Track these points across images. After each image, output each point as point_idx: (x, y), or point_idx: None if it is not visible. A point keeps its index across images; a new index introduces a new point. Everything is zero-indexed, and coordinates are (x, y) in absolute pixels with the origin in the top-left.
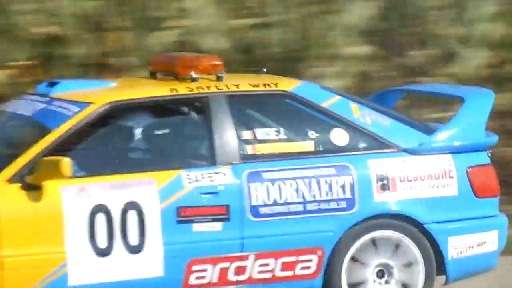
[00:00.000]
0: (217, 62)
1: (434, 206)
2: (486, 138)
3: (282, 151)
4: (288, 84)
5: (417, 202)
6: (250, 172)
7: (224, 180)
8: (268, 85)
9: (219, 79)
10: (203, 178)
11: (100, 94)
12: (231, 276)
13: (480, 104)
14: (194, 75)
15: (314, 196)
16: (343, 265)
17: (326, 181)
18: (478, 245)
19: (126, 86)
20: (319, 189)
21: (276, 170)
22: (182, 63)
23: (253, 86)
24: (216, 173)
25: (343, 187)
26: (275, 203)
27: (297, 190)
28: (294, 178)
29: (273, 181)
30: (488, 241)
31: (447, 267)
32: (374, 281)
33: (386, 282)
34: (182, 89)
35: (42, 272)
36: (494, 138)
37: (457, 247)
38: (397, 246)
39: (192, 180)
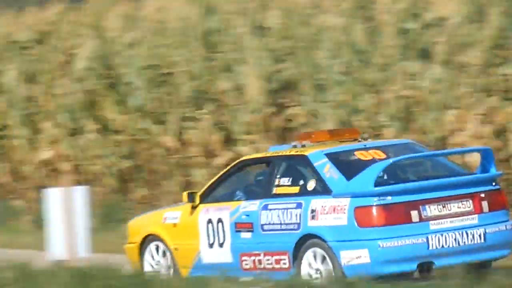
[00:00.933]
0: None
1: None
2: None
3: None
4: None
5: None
6: (263, 204)
7: (252, 208)
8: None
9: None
10: (245, 207)
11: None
12: (258, 265)
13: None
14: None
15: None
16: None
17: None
18: (356, 258)
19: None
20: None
21: (274, 203)
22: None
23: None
24: (251, 204)
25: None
26: (271, 223)
27: (278, 216)
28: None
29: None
30: (363, 256)
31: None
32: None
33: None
34: None
35: (193, 254)
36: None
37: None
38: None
39: (242, 207)
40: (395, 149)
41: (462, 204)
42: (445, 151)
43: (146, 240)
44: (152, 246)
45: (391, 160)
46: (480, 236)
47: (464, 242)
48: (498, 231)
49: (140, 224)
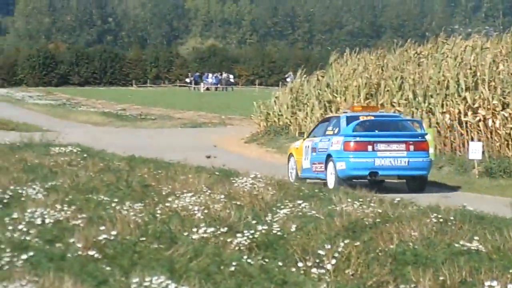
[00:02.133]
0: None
1: None
2: None
3: None
4: None
5: None
6: (319, 139)
7: (317, 141)
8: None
9: None
10: (315, 140)
11: None
12: (316, 168)
13: None
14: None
15: None
16: None
17: None
18: (341, 166)
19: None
20: None
21: (323, 139)
22: None
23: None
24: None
25: None
26: (321, 148)
27: (322, 145)
28: None
29: None
30: (344, 165)
31: None
32: None
33: None
34: None
35: (301, 163)
36: None
37: None
38: None
39: (315, 140)
40: (383, 117)
41: (398, 145)
42: (395, 119)
43: (289, 156)
44: (291, 159)
45: (359, 120)
46: (406, 162)
47: (396, 164)
48: (418, 161)
49: (288, 148)
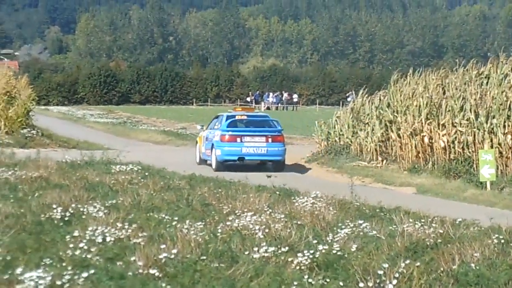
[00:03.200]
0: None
1: None
2: None
3: None
4: None
5: None
6: (208, 131)
7: (206, 133)
8: None
9: None
10: (207, 132)
11: None
12: (209, 154)
13: None
14: None
15: None
16: None
17: None
18: (217, 153)
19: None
20: None
21: (211, 131)
22: None
23: None
24: (207, 131)
25: None
26: (208, 138)
27: (209, 136)
28: None
29: None
30: (219, 152)
31: None
32: None
33: None
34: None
35: (202, 150)
36: None
37: None
38: None
39: (207, 132)
40: (254, 116)
41: (260, 138)
42: (261, 119)
43: (196, 143)
44: (196, 145)
45: (228, 116)
46: (265, 151)
47: (258, 152)
48: (275, 150)
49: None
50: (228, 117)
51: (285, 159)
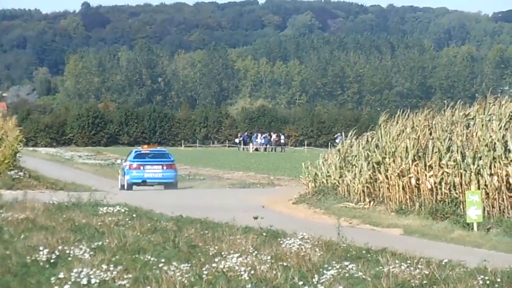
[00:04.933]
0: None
1: None
2: None
3: None
4: None
5: None
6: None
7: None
8: None
9: None
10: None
11: None
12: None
13: None
14: None
15: None
16: None
17: None
18: (127, 178)
19: None
20: None
21: (126, 163)
22: None
23: None
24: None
25: None
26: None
27: (124, 166)
28: None
29: None
30: (128, 177)
31: None
32: None
33: None
34: None
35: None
36: None
37: None
38: None
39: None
40: (155, 151)
41: (157, 166)
42: (159, 152)
43: (119, 172)
44: (120, 173)
45: (136, 152)
46: (161, 175)
47: (156, 176)
48: (168, 175)
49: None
50: (136, 152)
51: (177, 182)
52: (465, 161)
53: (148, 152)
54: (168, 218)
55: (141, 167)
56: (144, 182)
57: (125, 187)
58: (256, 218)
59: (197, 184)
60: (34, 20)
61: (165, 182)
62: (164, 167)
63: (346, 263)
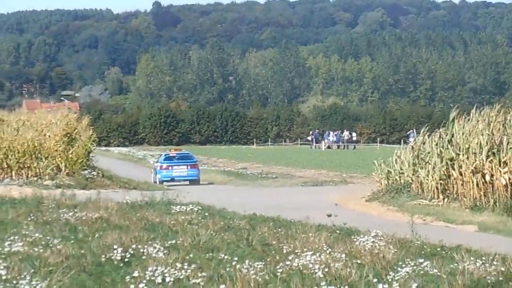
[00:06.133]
0: None
1: None
2: None
3: None
4: None
5: None
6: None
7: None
8: None
9: None
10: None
11: None
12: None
13: None
14: None
15: None
16: None
17: None
18: (158, 177)
19: None
20: None
21: (158, 164)
22: None
23: None
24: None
25: None
26: (158, 168)
27: (156, 167)
28: None
29: None
30: (160, 176)
31: None
32: None
33: None
34: None
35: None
36: None
37: None
38: None
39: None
40: (181, 154)
41: (183, 166)
42: (184, 154)
43: (152, 170)
44: (152, 171)
45: (165, 155)
46: (186, 173)
47: (182, 175)
48: (192, 173)
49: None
50: (165, 155)
51: (200, 179)
52: None
53: (175, 155)
54: (241, 217)
55: (170, 167)
56: (172, 180)
57: (157, 182)
58: (329, 216)
59: (269, 182)
60: (105, 20)
61: (189, 179)
62: (189, 167)
63: (421, 261)
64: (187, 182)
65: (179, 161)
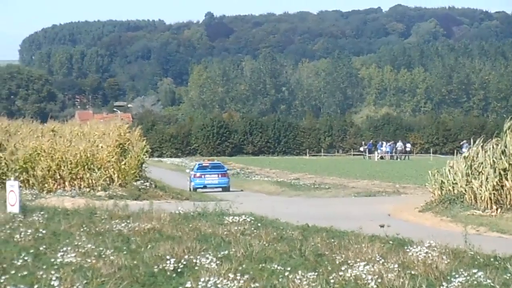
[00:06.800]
0: None
1: None
2: None
3: None
4: None
5: None
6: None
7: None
8: None
9: None
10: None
11: None
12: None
13: None
14: None
15: None
16: None
17: None
18: (192, 184)
19: None
20: None
21: (193, 173)
22: None
23: None
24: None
25: None
26: (192, 176)
27: (190, 175)
28: None
29: None
30: (193, 184)
31: None
32: None
33: None
34: None
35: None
36: None
37: None
38: None
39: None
40: (213, 164)
41: (215, 175)
42: (216, 164)
43: (188, 178)
44: (187, 179)
45: (199, 164)
46: (217, 181)
47: (213, 182)
48: (223, 181)
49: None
50: (198, 164)
51: (230, 186)
52: None
53: (208, 164)
54: (293, 227)
55: (203, 176)
56: (205, 187)
57: (191, 190)
58: (382, 226)
59: (322, 193)
60: (158, 31)
61: (220, 186)
62: (220, 176)
63: (474, 271)
64: (220, 189)
65: (211, 170)
